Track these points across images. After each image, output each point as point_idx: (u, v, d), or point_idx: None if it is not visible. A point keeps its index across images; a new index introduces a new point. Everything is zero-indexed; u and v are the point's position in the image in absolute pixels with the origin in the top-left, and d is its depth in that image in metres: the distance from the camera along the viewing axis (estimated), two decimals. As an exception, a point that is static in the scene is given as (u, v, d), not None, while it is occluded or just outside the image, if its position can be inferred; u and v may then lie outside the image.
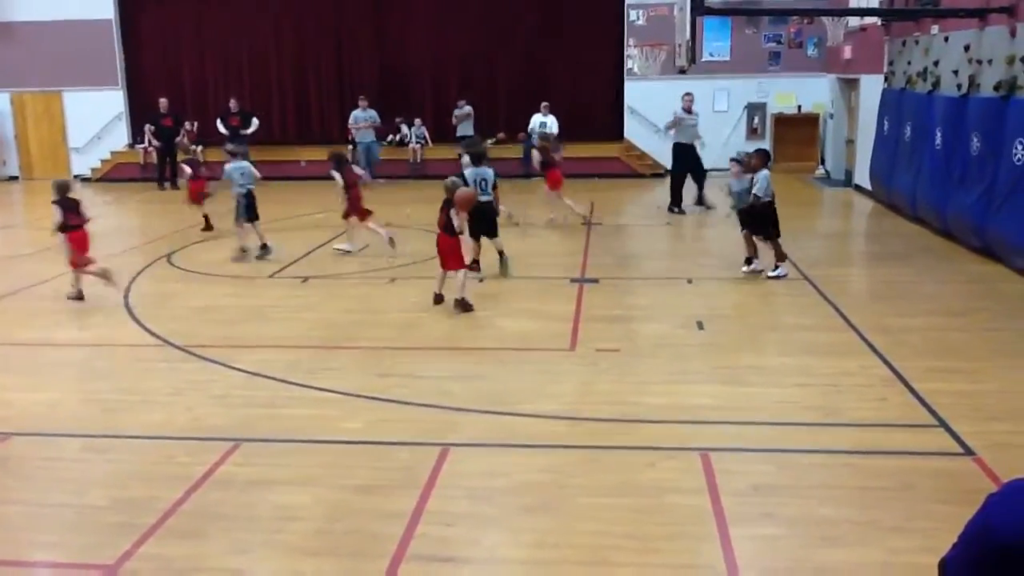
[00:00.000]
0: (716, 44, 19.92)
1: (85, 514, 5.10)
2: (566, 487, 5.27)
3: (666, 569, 4.44)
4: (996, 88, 10.92)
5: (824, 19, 19.29)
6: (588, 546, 4.65)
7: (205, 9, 21.38)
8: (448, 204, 9.16)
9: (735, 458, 5.61)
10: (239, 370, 7.43)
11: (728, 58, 20.03)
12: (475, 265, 10.51)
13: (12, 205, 19.18)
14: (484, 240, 10.76)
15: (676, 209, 15.26)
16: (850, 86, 18.32)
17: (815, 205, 16.50)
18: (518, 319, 8.86)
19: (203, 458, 5.69)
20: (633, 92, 20.42)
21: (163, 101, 20.12)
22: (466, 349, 7.96)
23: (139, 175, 20.69)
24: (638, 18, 20.17)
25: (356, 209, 12.03)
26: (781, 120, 19.94)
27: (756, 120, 20.14)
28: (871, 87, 16.28)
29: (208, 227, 13.78)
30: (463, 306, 9.04)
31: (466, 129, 19.56)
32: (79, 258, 9.71)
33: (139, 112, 21.25)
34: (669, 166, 19.73)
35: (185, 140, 18.95)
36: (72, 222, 9.70)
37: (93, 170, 21.55)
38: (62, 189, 9.85)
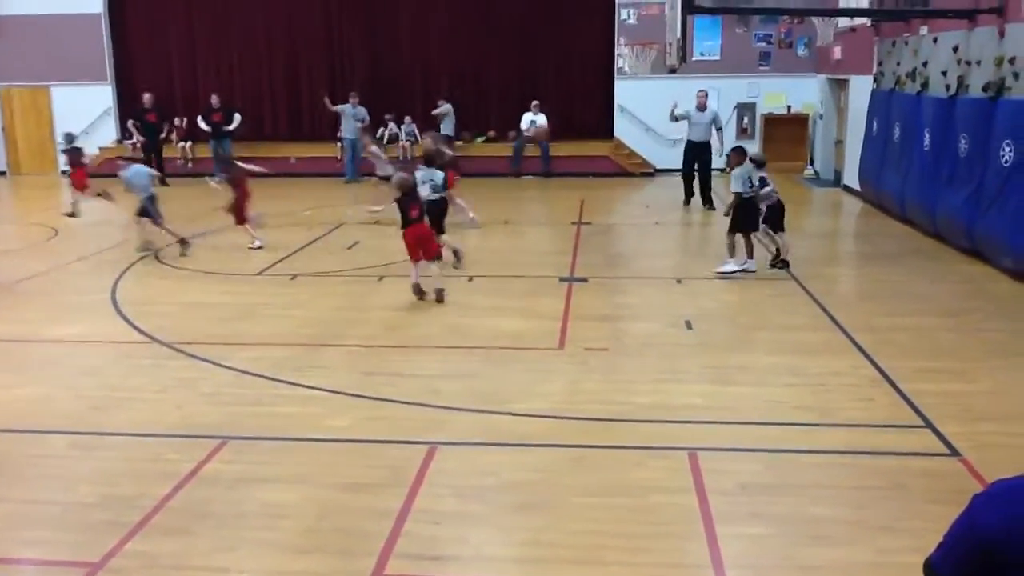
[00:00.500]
0: (707, 43, 19.94)
1: (71, 511, 5.07)
2: (554, 486, 5.28)
3: (654, 568, 4.45)
4: (984, 89, 10.97)
5: (814, 19, 19.32)
6: (576, 545, 4.65)
7: (195, 4, 21.28)
8: (413, 197, 9.56)
9: (723, 457, 5.62)
10: (227, 367, 7.40)
11: (718, 57, 20.06)
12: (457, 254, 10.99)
13: (1, 200, 19.05)
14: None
15: (687, 205, 15.70)
16: (839, 86, 18.39)
17: (804, 205, 16.52)
18: (507, 318, 8.86)
19: (190, 455, 5.67)
20: (623, 91, 20.43)
21: (147, 96, 20.01)
22: (454, 347, 7.95)
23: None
24: (629, 17, 20.18)
25: (240, 208, 12.38)
26: (771, 120, 19.99)
27: (746, 120, 20.18)
28: (860, 88, 16.33)
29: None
30: (419, 292, 9.45)
31: (447, 128, 19.54)
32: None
33: (128, 107, 21.13)
34: (658, 165, 19.94)
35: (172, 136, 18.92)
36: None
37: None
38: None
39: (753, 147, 16.73)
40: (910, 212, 13.27)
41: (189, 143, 20.73)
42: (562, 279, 10.40)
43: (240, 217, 12.32)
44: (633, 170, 19.93)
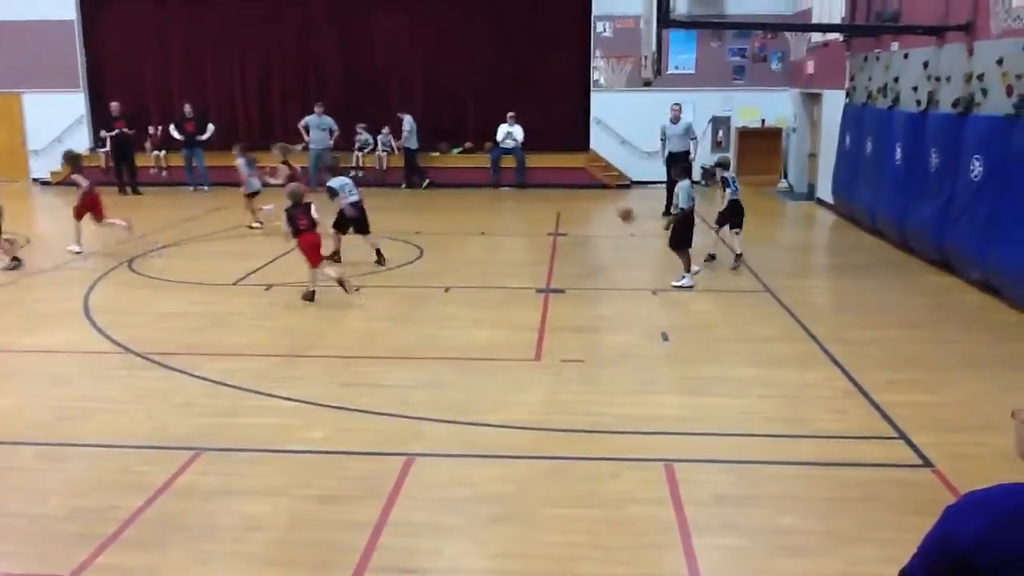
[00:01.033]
0: (682, 57, 20.10)
1: (41, 523, 5.00)
2: (530, 497, 5.27)
3: (630, 579, 4.45)
4: (954, 105, 11.13)
5: (787, 34, 19.57)
6: (552, 556, 4.65)
7: (169, 12, 21.13)
8: (302, 208, 9.91)
9: (698, 468, 5.65)
10: (201, 378, 7.34)
11: (693, 71, 20.23)
12: (335, 256, 11.44)
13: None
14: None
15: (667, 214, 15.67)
16: (812, 100, 18.58)
17: (777, 218, 16.68)
18: (484, 329, 8.86)
19: (163, 467, 5.62)
20: (599, 103, 20.54)
21: (114, 105, 19.86)
22: (430, 358, 7.93)
23: (101, 179, 20.37)
24: (605, 30, 20.31)
25: (86, 210, 12.66)
26: (745, 133, 20.16)
27: (720, 133, 20.34)
28: (833, 102, 16.52)
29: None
30: (310, 297, 9.86)
31: (411, 141, 19.62)
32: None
33: (100, 115, 20.94)
34: (634, 177, 20.05)
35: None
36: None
37: (53, 173, 21.19)
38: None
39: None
40: (881, 225, 13.42)
41: (163, 152, 20.59)
42: (539, 290, 10.42)
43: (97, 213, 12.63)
44: (609, 182, 20.02)
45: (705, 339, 8.59)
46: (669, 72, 19.24)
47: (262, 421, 6.49)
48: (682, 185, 10.66)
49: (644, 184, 20.14)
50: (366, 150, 20.44)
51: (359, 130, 20.38)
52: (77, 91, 21.48)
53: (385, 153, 20.37)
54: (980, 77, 10.56)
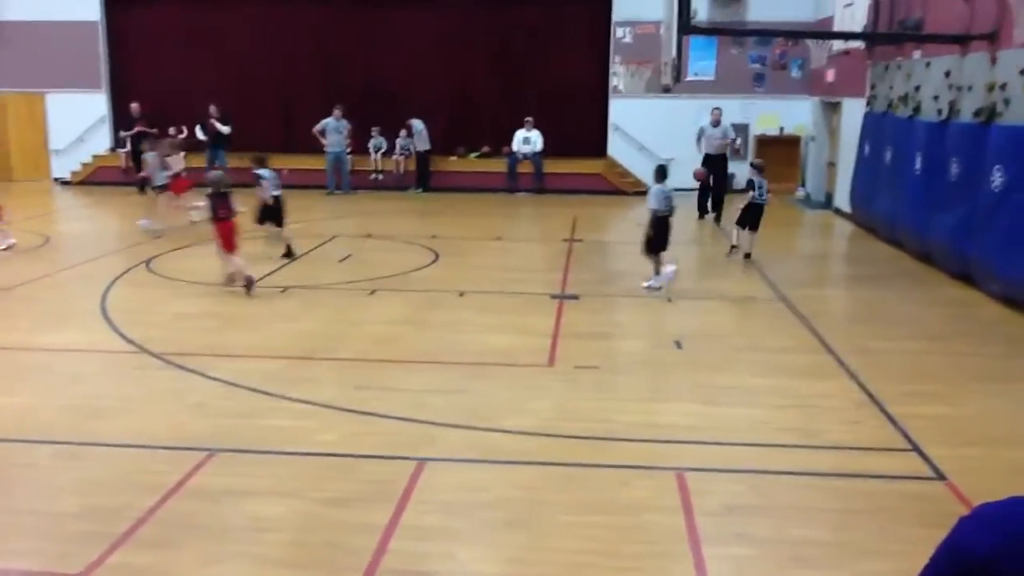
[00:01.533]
0: (701, 63, 20.06)
1: (55, 521, 5.04)
2: (542, 504, 5.27)
3: (639, 588, 4.45)
4: (976, 114, 11.06)
5: (808, 42, 19.51)
6: (562, 563, 4.64)
7: (191, 14, 21.28)
8: (222, 196, 10.46)
9: (710, 478, 5.63)
10: (216, 379, 7.38)
11: (713, 77, 20.19)
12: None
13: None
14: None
15: (701, 218, 16.46)
16: (832, 109, 18.50)
17: (795, 227, 16.61)
18: (498, 334, 8.86)
19: (177, 467, 5.65)
20: (618, 109, 20.53)
21: (134, 106, 20.05)
22: (444, 363, 7.94)
23: (121, 179, 20.58)
24: (624, 36, 20.30)
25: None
26: (763, 141, 20.10)
27: (739, 140, 20.27)
28: (853, 110, 16.45)
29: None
30: (249, 282, 10.34)
31: (421, 143, 19.78)
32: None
33: (122, 115, 21.13)
34: (651, 183, 20.01)
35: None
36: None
37: (74, 173, 21.42)
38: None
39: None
40: (900, 235, 13.34)
41: (183, 153, 20.69)
42: (553, 296, 10.42)
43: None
44: (626, 189, 19.99)
45: (719, 348, 8.56)
46: (688, 79, 19.22)
47: (276, 423, 6.52)
48: (652, 189, 10.89)
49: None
50: (380, 153, 20.51)
51: (373, 133, 20.47)
52: (99, 92, 21.68)
53: (403, 156, 20.43)
54: (1003, 87, 10.49)
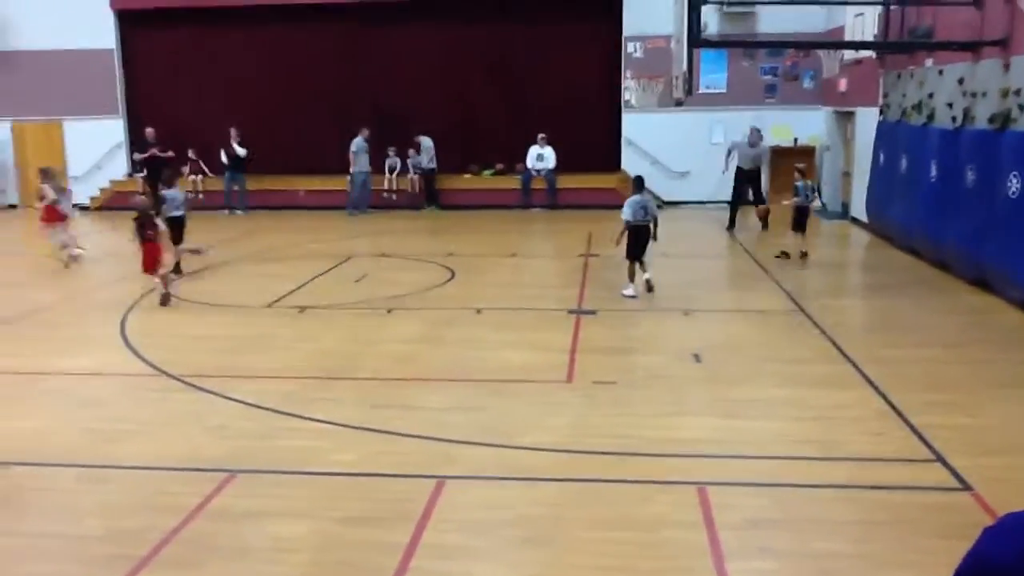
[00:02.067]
0: (713, 76, 20.06)
1: (78, 544, 5.07)
2: (562, 520, 5.25)
3: (662, 604, 4.42)
4: (990, 121, 11.01)
5: (819, 52, 19.48)
6: (584, 580, 4.62)
7: (204, 40, 21.47)
8: (149, 219, 11.36)
9: (731, 492, 5.59)
10: (235, 400, 7.41)
11: (725, 90, 20.19)
12: (177, 269, 12.70)
13: (11, 233, 19.18)
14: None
15: (730, 228, 16.71)
16: (846, 118, 18.45)
17: (811, 237, 16.44)
18: (515, 350, 8.86)
19: (198, 489, 5.67)
20: (630, 124, 20.55)
21: (149, 131, 20.23)
22: (462, 380, 7.94)
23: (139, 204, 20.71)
24: (635, 50, 20.35)
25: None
26: (778, 152, 20.03)
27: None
28: (867, 119, 16.40)
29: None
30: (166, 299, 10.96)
31: (426, 160, 19.99)
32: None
33: (139, 141, 21.31)
34: (665, 198, 20.03)
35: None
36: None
37: (92, 199, 21.59)
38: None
39: (763, 178, 17.61)
40: (917, 243, 13.27)
41: (200, 176, 20.88)
42: (570, 311, 10.41)
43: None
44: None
45: (738, 360, 8.52)
46: (700, 91, 19.22)
47: (295, 443, 6.53)
48: (628, 200, 11.21)
49: (676, 204, 20.09)
50: (395, 172, 20.60)
51: (389, 153, 20.57)
52: (116, 117, 21.89)
53: (418, 175, 20.51)
54: (1017, 92, 10.45)
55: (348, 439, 6.58)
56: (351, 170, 19.69)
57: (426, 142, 19.94)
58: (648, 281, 11.23)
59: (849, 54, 17.44)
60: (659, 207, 19.53)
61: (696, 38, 12.03)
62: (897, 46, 14.49)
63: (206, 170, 20.77)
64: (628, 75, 20.47)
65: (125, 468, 6.12)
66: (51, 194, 14.14)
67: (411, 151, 20.36)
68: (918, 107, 13.59)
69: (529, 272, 13.54)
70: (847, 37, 17.14)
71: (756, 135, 16.85)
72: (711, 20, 18.12)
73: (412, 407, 7.23)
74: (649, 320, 10.28)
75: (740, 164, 16.73)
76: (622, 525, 5.18)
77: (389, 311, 10.54)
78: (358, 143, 19.65)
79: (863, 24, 16.25)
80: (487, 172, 21.14)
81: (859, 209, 16.53)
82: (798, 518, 5.25)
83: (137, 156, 20.65)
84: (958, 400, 7.22)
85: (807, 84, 20.16)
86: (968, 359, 8.35)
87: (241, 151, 19.96)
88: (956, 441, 6.28)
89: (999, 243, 10.46)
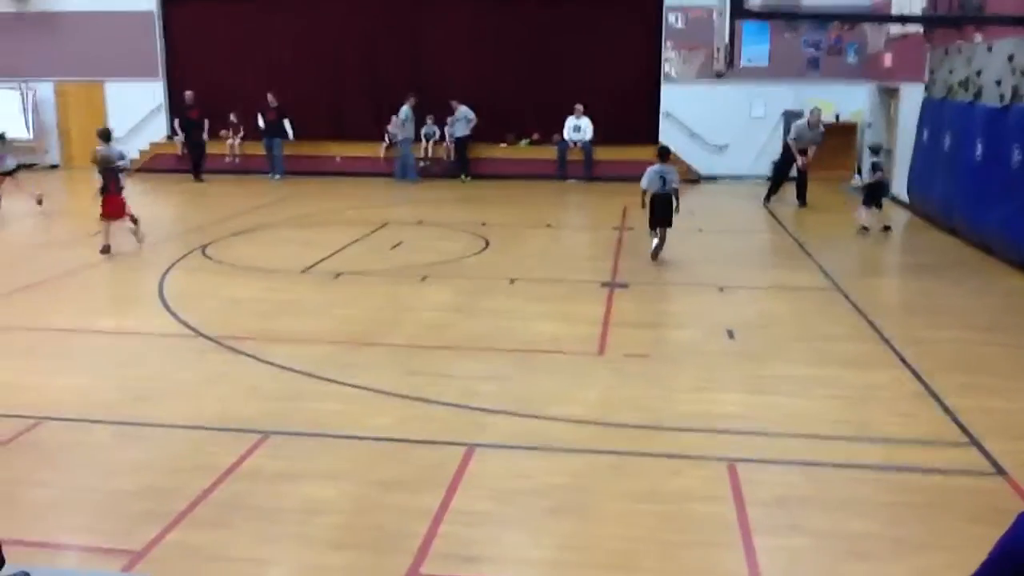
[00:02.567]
0: (755, 48, 19.76)
1: (113, 500, 5.17)
2: (590, 491, 5.27)
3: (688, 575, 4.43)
4: (1039, 101, 10.76)
5: (865, 25, 19.12)
6: (611, 550, 4.64)
7: (244, 5, 21.53)
8: (113, 172, 11.76)
9: (761, 469, 5.57)
10: (270, 363, 7.49)
11: (766, 64, 19.89)
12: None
13: (54, 193, 19.41)
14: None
15: (768, 201, 16.90)
16: (890, 95, 18.13)
17: (849, 215, 16.29)
18: (548, 322, 8.86)
19: (231, 449, 5.75)
20: (669, 96, 20.34)
21: (188, 93, 20.41)
22: (495, 350, 7.97)
23: (177, 166, 20.96)
24: (676, 21, 20.09)
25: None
26: (818, 128, 19.73)
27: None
28: (911, 96, 16.10)
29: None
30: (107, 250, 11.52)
31: (461, 129, 19.77)
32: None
33: (178, 104, 21.49)
34: (703, 172, 19.86)
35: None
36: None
37: (132, 160, 21.81)
38: None
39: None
40: (959, 224, 13.04)
41: (238, 140, 21.03)
42: (604, 284, 10.38)
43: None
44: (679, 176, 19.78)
45: (771, 337, 8.46)
46: (741, 65, 18.98)
47: (328, 407, 6.60)
48: (649, 168, 11.41)
49: (713, 179, 19.93)
50: (431, 140, 20.60)
51: (427, 121, 20.55)
52: (156, 80, 22.05)
53: (452, 143, 20.49)
54: (1067, 72, 10.19)
55: (380, 404, 6.63)
56: (398, 138, 19.73)
57: (461, 111, 19.86)
58: (657, 248, 11.50)
59: (895, 28, 17.11)
60: (696, 181, 19.56)
61: (739, 9, 11.86)
62: (946, 20, 14.18)
63: (242, 133, 20.92)
64: (668, 46, 20.24)
65: (160, 426, 6.22)
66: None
67: (449, 119, 20.34)
68: (965, 84, 13.31)
69: (563, 243, 13.51)
70: (894, 11, 16.83)
71: (816, 115, 16.70)
72: (755, -9, 17.82)
73: (444, 375, 7.27)
74: (683, 295, 10.23)
75: (794, 143, 16.58)
76: (650, 498, 5.18)
77: (423, 279, 10.57)
78: (405, 111, 19.62)
79: (911, -2, 15.93)
80: (523, 142, 21.07)
81: (900, 188, 16.27)
82: (829, 497, 5.22)
83: (176, 121, 20.84)
84: (994, 384, 7.12)
85: (851, 59, 19.83)
86: (1005, 342, 8.23)
87: (288, 129, 20.04)
88: (991, 425, 6.20)
89: (1044, 225, 10.26)
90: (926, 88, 15.18)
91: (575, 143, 19.93)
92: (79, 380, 7.15)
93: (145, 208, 14.71)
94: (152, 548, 4.60)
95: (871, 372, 7.37)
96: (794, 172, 16.70)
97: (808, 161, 16.50)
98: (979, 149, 12.36)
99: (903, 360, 7.61)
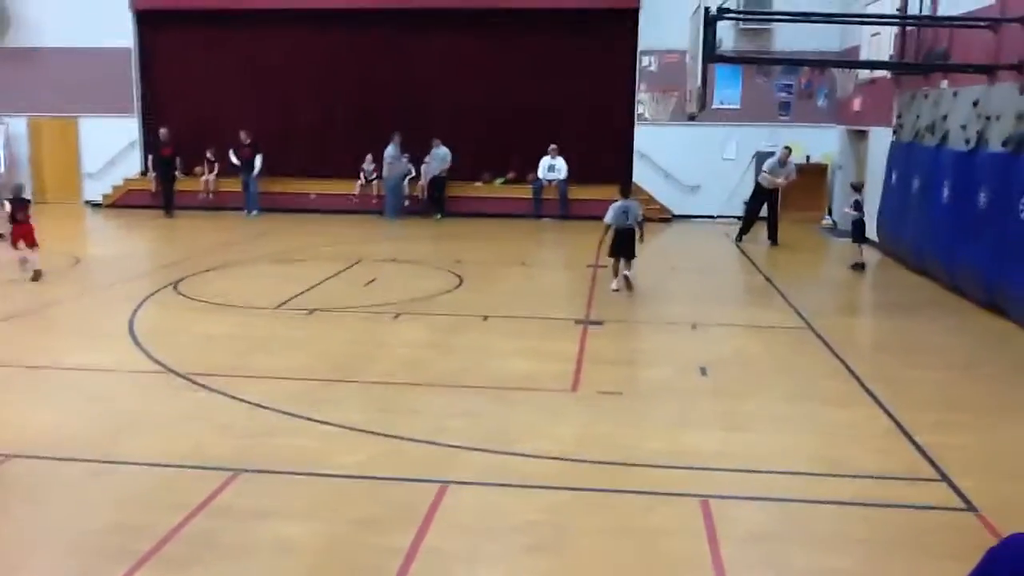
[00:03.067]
0: (727, 91, 20.07)
1: (81, 537, 5.08)
2: (564, 528, 5.25)
3: (663, 615, 4.41)
4: (1004, 144, 10.99)
5: (834, 70, 19.49)
6: (585, 589, 4.61)
7: (223, 41, 21.60)
8: (22, 202, 12.38)
9: (734, 505, 5.58)
10: (241, 400, 7.43)
11: (738, 106, 20.20)
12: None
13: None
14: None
15: (739, 240, 17.06)
16: (859, 138, 18.44)
17: (821, 254, 16.53)
18: (522, 359, 8.86)
19: (202, 486, 5.68)
20: (643, 136, 20.57)
21: (163, 131, 20.38)
22: (468, 387, 7.95)
23: (151, 202, 20.85)
24: (650, 64, 20.38)
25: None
26: (789, 169, 20.01)
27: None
28: (880, 139, 16.38)
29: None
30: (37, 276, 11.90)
31: (436, 167, 19.99)
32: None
33: (153, 140, 21.44)
34: (676, 211, 20.04)
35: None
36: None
37: (105, 196, 21.72)
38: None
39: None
40: (928, 264, 13.23)
41: (212, 176, 20.99)
42: (577, 321, 10.41)
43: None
44: (651, 216, 19.93)
45: (744, 374, 8.51)
46: (714, 107, 19.25)
47: (300, 444, 6.54)
48: (612, 205, 11.89)
49: (686, 218, 20.11)
50: (407, 179, 20.66)
51: (403, 159, 20.63)
52: (131, 116, 22.01)
53: (428, 181, 20.54)
54: (1031, 116, 10.42)
55: (353, 441, 6.58)
56: (383, 176, 19.86)
57: (440, 151, 19.97)
58: (627, 278, 11.93)
59: (864, 73, 17.46)
60: (668, 220, 19.73)
61: (711, 53, 12.06)
62: (912, 67, 14.49)
63: (217, 171, 20.90)
64: (642, 88, 20.50)
65: (130, 464, 6.13)
66: None
67: (427, 157, 20.44)
68: (932, 128, 13.57)
69: (537, 281, 13.55)
70: (863, 56, 17.16)
71: (786, 153, 17.03)
72: (726, 36, 18.13)
73: (417, 411, 7.24)
74: (656, 332, 10.27)
75: (761, 182, 16.92)
76: (624, 535, 5.17)
77: (397, 316, 10.55)
78: (391, 150, 19.73)
79: (879, 44, 16.27)
80: (499, 181, 21.18)
81: (870, 229, 16.45)
82: (801, 534, 5.23)
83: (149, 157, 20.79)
84: (966, 421, 7.20)
85: (821, 102, 20.18)
86: (978, 381, 8.33)
87: (258, 160, 20.08)
88: (963, 461, 6.25)
89: (1013, 267, 10.42)
90: (894, 132, 15.46)
91: (550, 182, 20.08)
92: (49, 417, 7.05)
93: (118, 243, 14.62)
94: (119, 587, 4.52)
95: (844, 409, 7.42)
96: (765, 212, 16.90)
97: (784, 186, 16.92)
98: (946, 192, 12.58)
99: (875, 397, 7.67)
